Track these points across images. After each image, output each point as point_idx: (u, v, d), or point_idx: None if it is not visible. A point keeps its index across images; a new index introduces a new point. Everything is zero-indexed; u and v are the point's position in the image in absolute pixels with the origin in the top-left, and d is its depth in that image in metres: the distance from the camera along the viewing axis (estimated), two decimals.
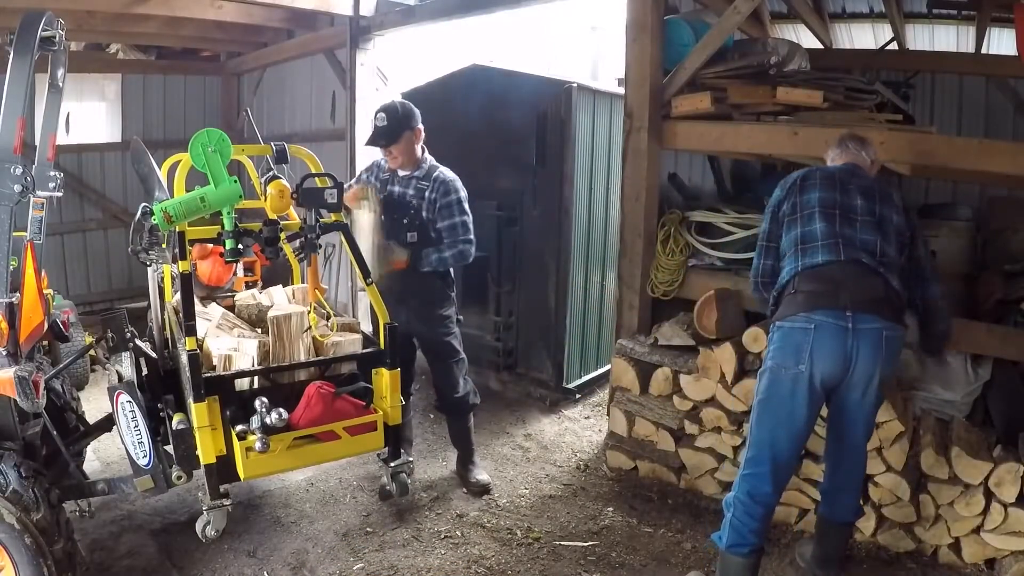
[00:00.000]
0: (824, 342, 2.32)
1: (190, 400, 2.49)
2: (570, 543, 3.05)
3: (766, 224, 2.71)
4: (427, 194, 3.26)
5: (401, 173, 3.32)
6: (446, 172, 3.31)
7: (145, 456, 2.62)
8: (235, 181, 2.51)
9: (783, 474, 2.45)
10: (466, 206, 3.31)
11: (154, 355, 2.91)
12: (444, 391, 3.45)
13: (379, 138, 3.22)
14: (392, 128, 3.20)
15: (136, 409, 2.61)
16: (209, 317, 3.04)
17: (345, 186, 3.12)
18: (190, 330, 2.47)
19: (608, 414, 3.84)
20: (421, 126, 3.28)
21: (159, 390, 2.81)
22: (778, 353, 2.42)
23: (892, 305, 2.39)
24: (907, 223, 2.58)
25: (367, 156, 5.84)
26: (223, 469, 2.52)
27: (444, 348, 3.38)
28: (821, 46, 4.25)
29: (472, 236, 3.32)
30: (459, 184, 3.31)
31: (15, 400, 2.31)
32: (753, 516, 2.40)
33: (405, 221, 3.25)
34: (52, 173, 2.54)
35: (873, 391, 2.42)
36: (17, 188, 2.36)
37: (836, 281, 2.37)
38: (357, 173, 3.49)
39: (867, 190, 2.56)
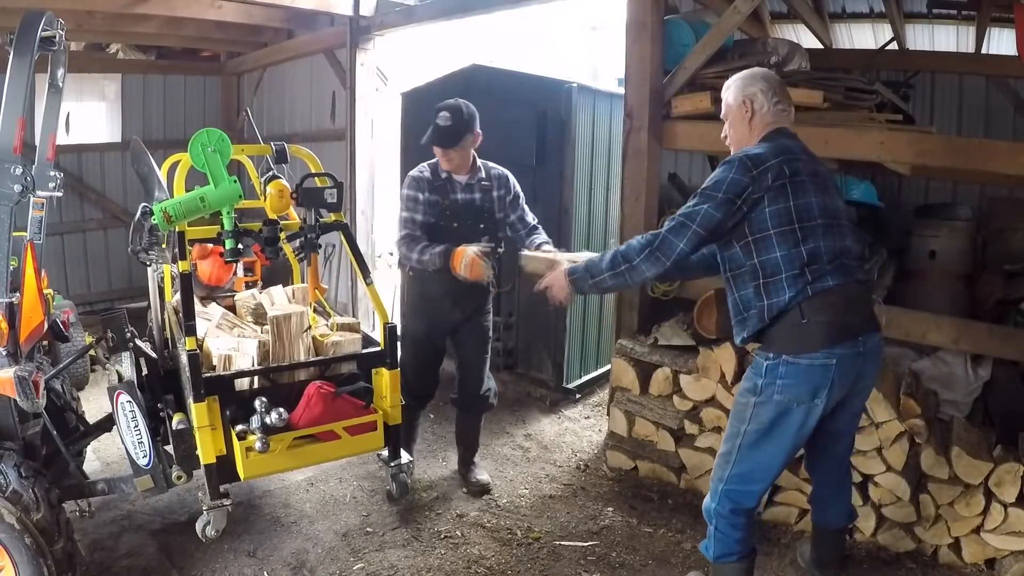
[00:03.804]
0: (846, 375, 2.20)
1: (190, 400, 2.49)
2: (570, 543, 3.05)
3: (712, 209, 2.18)
4: (494, 192, 3.24)
5: (459, 179, 3.20)
6: (499, 167, 3.31)
7: (145, 456, 2.62)
8: (235, 181, 2.52)
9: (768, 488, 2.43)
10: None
11: (154, 355, 2.92)
12: (470, 385, 3.42)
13: (442, 139, 3.07)
14: (456, 130, 3.06)
15: (136, 409, 2.61)
16: (209, 317, 3.04)
17: (450, 249, 2.96)
18: (190, 330, 2.47)
19: (608, 414, 3.84)
20: (480, 129, 3.18)
21: (159, 390, 2.81)
22: (791, 389, 2.19)
23: (872, 309, 2.35)
24: None
25: (367, 157, 5.87)
26: (223, 469, 2.52)
27: (484, 340, 3.38)
28: (821, 46, 4.25)
29: None
30: (514, 178, 3.34)
31: (15, 400, 2.31)
32: (737, 527, 2.35)
33: (481, 226, 3.19)
34: (52, 173, 2.54)
35: (864, 402, 2.41)
36: (17, 188, 2.36)
37: (847, 308, 2.19)
38: (406, 204, 3.19)
39: (833, 183, 2.35)
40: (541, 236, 3.25)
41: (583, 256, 2.63)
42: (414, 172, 3.23)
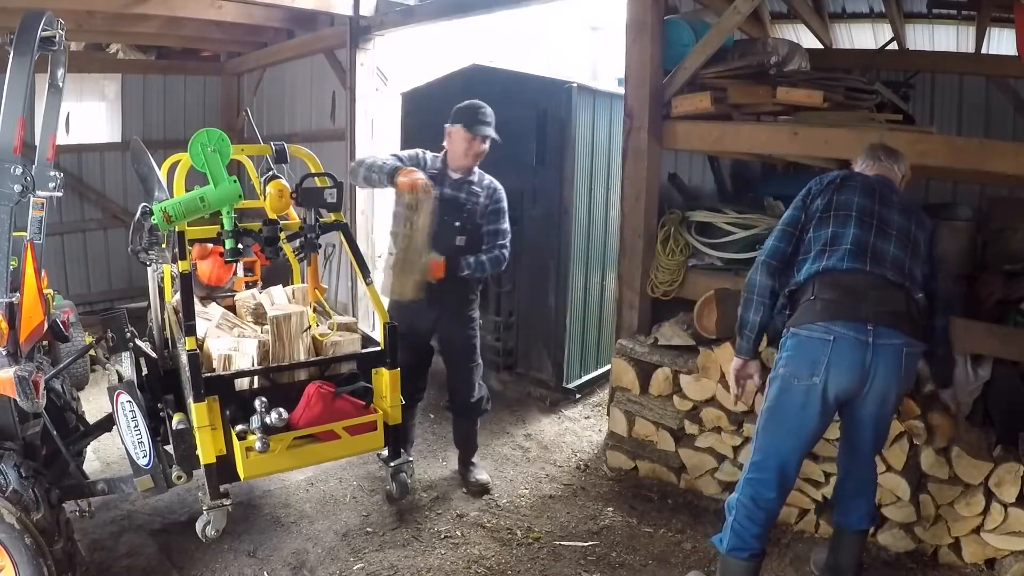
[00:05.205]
0: (842, 356, 2.24)
1: (190, 400, 2.49)
2: (570, 543, 3.05)
3: (792, 211, 2.57)
4: (481, 199, 3.25)
5: (453, 176, 3.25)
6: (495, 180, 3.33)
7: (145, 456, 2.62)
8: (235, 181, 2.52)
9: (788, 480, 2.41)
10: (507, 215, 3.34)
11: (154, 355, 2.92)
12: (460, 393, 3.43)
13: (488, 127, 3.17)
14: (494, 128, 3.19)
15: (136, 409, 2.61)
16: (209, 317, 3.04)
17: (401, 167, 3.03)
18: (190, 330, 2.47)
19: (608, 414, 3.84)
20: None
21: (159, 390, 2.81)
22: (791, 362, 2.33)
23: (913, 320, 2.32)
24: (930, 253, 2.51)
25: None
26: (223, 469, 2.52)
27: (468, 350, 3.38)
28: (821, 46, 4.25)
29: (509, 245, 3.33)
30: (505, 194, 3.34)
31: (15, 400, 2.31)
32: (755, 521, 2.37)
33: (457, 224, 3.20)
34: (52, 173, 2.54)
35: (889, 406, 2.39)
36: (17, 188, 2.36)
37: (857, 292, 2.27)
38: (396, 154, 3.31)
39: (905, 208, 2.49)
40: (467, 259, 3.19)
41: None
42: (420, 150, 3.32)
